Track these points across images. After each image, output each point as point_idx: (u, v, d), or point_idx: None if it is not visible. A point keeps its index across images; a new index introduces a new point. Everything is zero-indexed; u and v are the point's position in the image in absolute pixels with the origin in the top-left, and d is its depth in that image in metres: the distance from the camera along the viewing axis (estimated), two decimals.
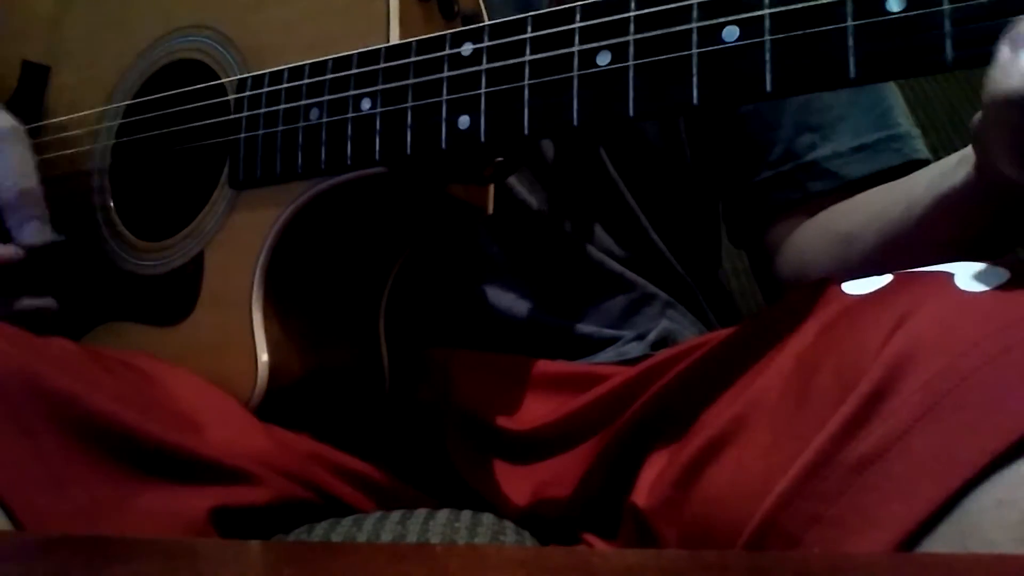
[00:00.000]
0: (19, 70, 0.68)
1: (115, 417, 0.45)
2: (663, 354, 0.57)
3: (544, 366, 0.61)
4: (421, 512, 0.52)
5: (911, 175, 0.58)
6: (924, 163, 0.66)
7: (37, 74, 0.67)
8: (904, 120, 0.66)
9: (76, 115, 0.64)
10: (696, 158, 0.69)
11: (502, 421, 0.60)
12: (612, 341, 0.63)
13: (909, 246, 0.55)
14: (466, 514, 0.53)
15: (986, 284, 0.36)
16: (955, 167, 0.49)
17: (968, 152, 0.47)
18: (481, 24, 0.48)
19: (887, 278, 0.40)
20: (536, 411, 0.60)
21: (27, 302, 0.59)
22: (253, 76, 0.55)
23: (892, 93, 0.67)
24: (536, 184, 0.63)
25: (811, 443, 0.35)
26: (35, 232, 0.57)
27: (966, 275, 0.37)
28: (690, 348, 0.55)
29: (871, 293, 0.40)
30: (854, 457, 0.34)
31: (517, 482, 0.59)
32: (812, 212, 0.65)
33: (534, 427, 0.59)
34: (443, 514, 0.52)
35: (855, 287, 0.42)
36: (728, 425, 0.43)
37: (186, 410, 0.51)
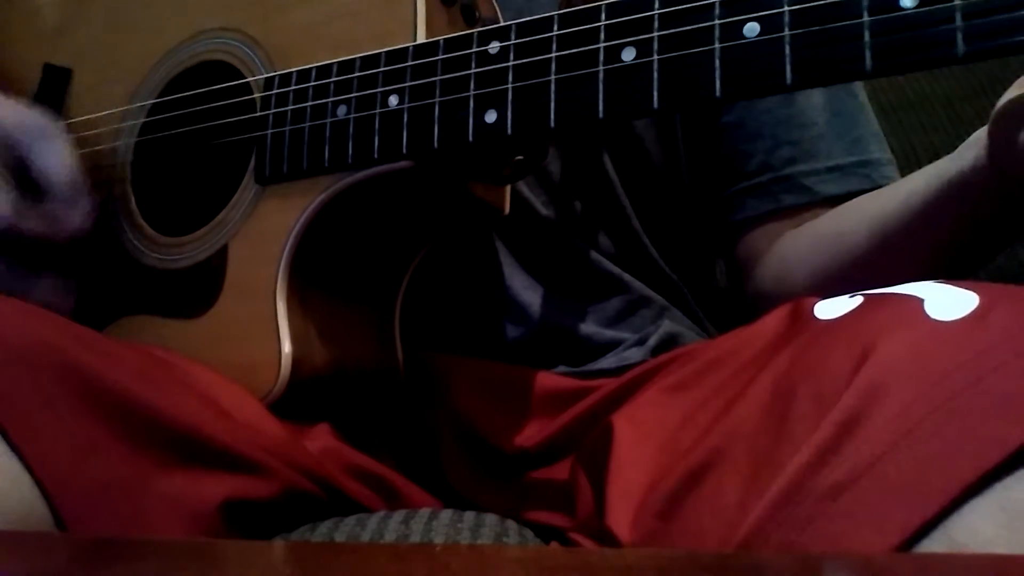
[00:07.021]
0: (39, 73, 0.68)
1: (138, 396, 0.45)
2: (645, 366, 0.59)
3: (541, 379, 0.62)
4: (425, 512, 0.52)
5: (907, 176, 0.60)
6: None
7: (59, 77, 0.67)
8: (876, 148, 0.69)
9: (98, 114, 0.65)
10: (691, 171, 0.71)
11: (495, 438, 0.61)
12: (613, 345, 0.65)
13: (903, 246, 0.56)
14: (469, 515, 0.53)
15: (956, 311, 0.37)
16: (963, 150, 0.51)
17: (978, 136, 0.49)
18: (507, 23, 0.49)
19: (857, 300, 0.41)
20: (528, 429, 0.61)
21: (49, 281, 0.60)
22: (280, 74, 0.56)
23: (867, 121, 0.70)
24: (542, 190, 0.65)
25: (785, 470, 0.36)
26: (86, 218, 0.58)
27: (936, 301, 0.38)
28: (668, 360, 0.57)
29: (842, 317, 0.41)
30: (827, 484, 0.34)
31: (505, 494, 0.60)
32: (783, 224, 0.68)
33: (524, 447, 0.60)
34: (446, 514, 0.52)
35: (826, 310, 0.43)
36: (707, 455, 0.43)
37: (203, 397, 0.51)
